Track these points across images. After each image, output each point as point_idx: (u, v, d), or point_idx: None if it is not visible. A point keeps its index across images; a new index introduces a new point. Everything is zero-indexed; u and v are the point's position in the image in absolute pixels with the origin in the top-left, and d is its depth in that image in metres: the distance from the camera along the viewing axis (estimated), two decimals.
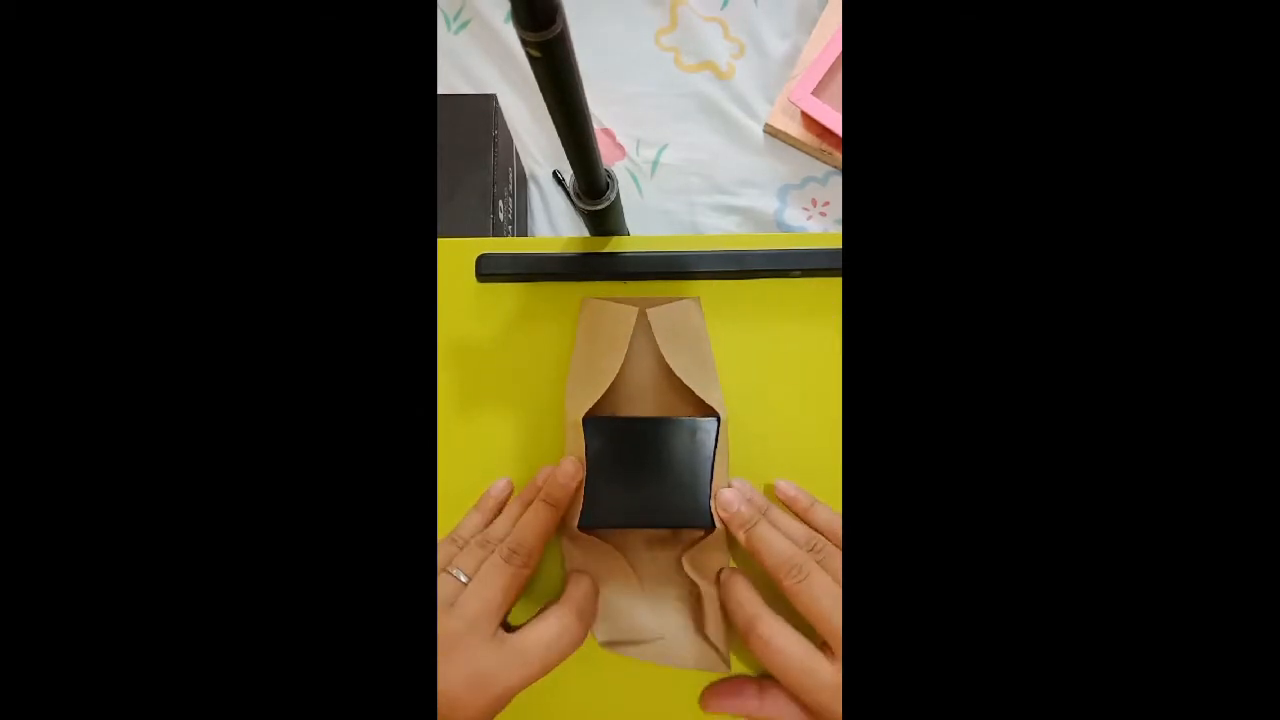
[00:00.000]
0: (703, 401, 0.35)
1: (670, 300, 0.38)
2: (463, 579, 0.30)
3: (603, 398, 0.35)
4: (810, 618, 0.29)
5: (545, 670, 0.29)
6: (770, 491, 0.35)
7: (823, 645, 0.29)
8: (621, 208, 0.39)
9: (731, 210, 0.90)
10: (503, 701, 0.28)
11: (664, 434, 0.34)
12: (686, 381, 0.35)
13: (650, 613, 0.33)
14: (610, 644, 0.33)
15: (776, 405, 0.36)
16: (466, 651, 0.28)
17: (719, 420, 0.34)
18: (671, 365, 0.35)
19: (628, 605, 0.33)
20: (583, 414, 0.34)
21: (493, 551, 0.31)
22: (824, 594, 0.29)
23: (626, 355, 0.36)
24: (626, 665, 0.33)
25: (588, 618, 0.31)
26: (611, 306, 0.37)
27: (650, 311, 0.37)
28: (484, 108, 0.76)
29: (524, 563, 0.30)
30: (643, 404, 0.36)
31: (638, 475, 0.33)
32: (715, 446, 0.34)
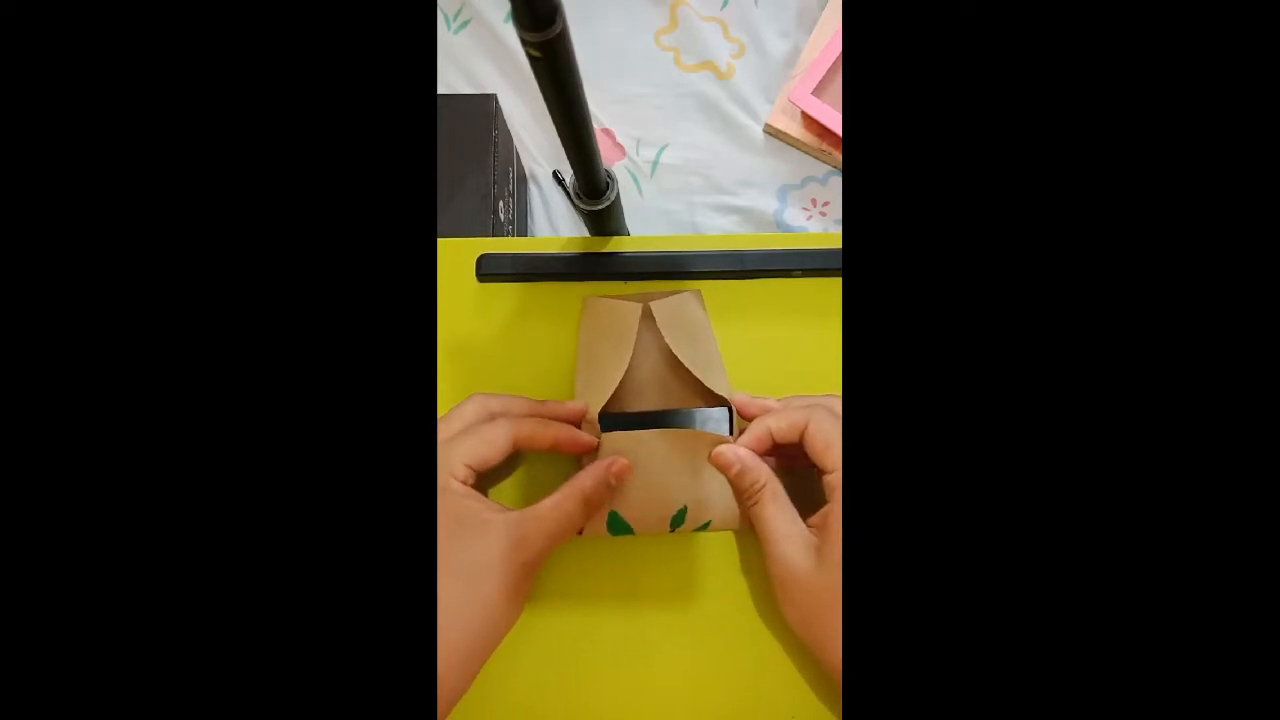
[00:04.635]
0: (710, 393, 0.35)
1: (671, 293, 0.37)
2: None
3: (612, 394, 0.34)
4: (821, 444, 0.30)
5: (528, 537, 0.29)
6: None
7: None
8: (621, 208, 0.39)
9: (731, 210, 0.90)
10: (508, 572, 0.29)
11: (677, 426, 0.34)
12: (694, 371, 0.34)
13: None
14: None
15: None
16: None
17: (730, 410, 0.34)
18: (678, 355, 0.35)
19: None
20: (598, 411, 0.34)
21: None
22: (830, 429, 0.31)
23: (633, 350, 0.35)
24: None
25: (593, 505, 0.31)
26: (615, 303, 0.37)
27: (654, 304, 0.37)
28: (484, 108, 0.76)
29: (527, 437, 0.31)
30: (650, 398, 0.36)
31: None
32: (731, 434, 0.33)
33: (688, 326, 0.36)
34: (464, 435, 0.31)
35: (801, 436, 0.31)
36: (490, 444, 0.31)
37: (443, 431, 0.31)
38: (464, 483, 0.30)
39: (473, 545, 0.28)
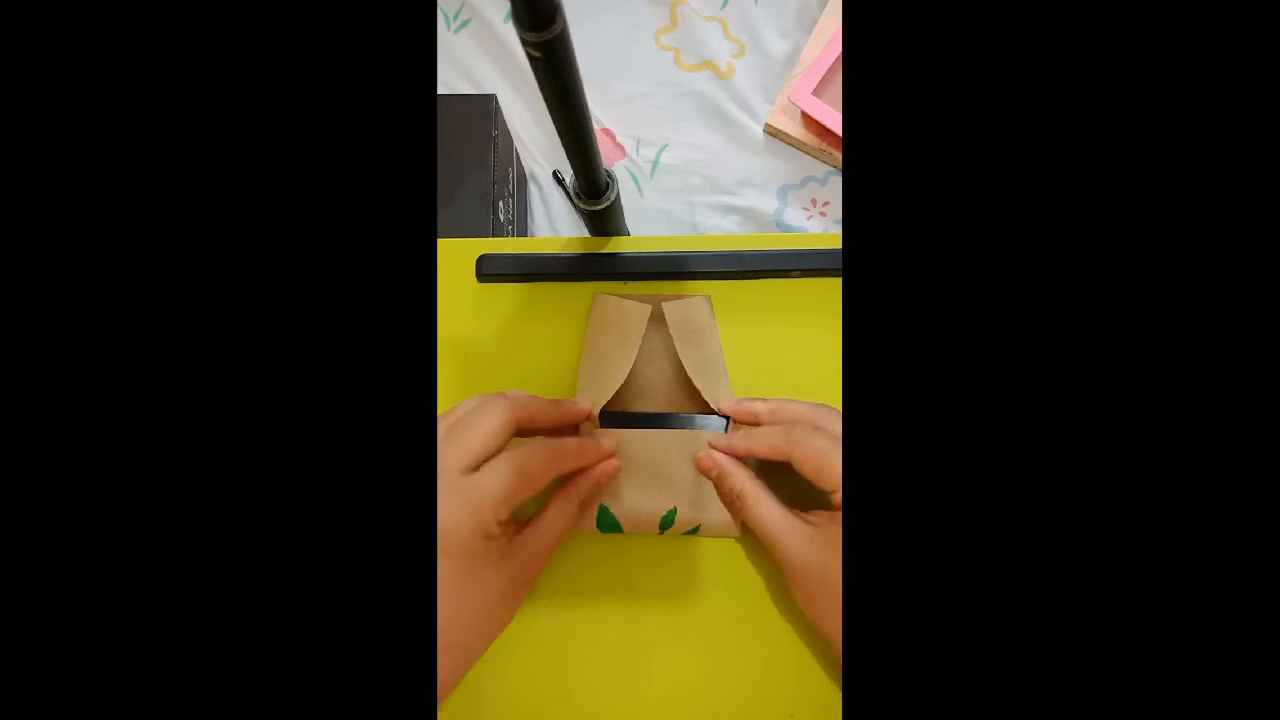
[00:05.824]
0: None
1: (683, 296, 0.38)
2: None
3: (615, 392, 0.35)
4: (812, 468, 0.30)
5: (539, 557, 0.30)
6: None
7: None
8: (621, 208, 0.39)
9: (731, 210, 0.90)
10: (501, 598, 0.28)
11: (675, 430, 0.34)
12: (694, 377, 0.35)
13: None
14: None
15: None
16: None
17: (728, 421, 0.34)
18: (683, 361, 0.35)
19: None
20: (598, 409, 0.34)
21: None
22: (826, 448, 0.30)
23: (639, 350, 0.36)
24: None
25: (586, 505, 0.32)
26: (623, 302, 0.37)
27: (665, 305, 0.37)
28: (484, 108, 0.76)
29: (526, 419, 0.30)
30: (655, 400, 0.36)
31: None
32: None
33: (696, 331, 0.37)
34: (499, 471, 0.28)
35: (790, 465, 0.31)
36: (528, 477, 0.28)
37: (459, 443, 0.29)
38: (502, 523, 0.28)
39: (488, 577, 0.28)
